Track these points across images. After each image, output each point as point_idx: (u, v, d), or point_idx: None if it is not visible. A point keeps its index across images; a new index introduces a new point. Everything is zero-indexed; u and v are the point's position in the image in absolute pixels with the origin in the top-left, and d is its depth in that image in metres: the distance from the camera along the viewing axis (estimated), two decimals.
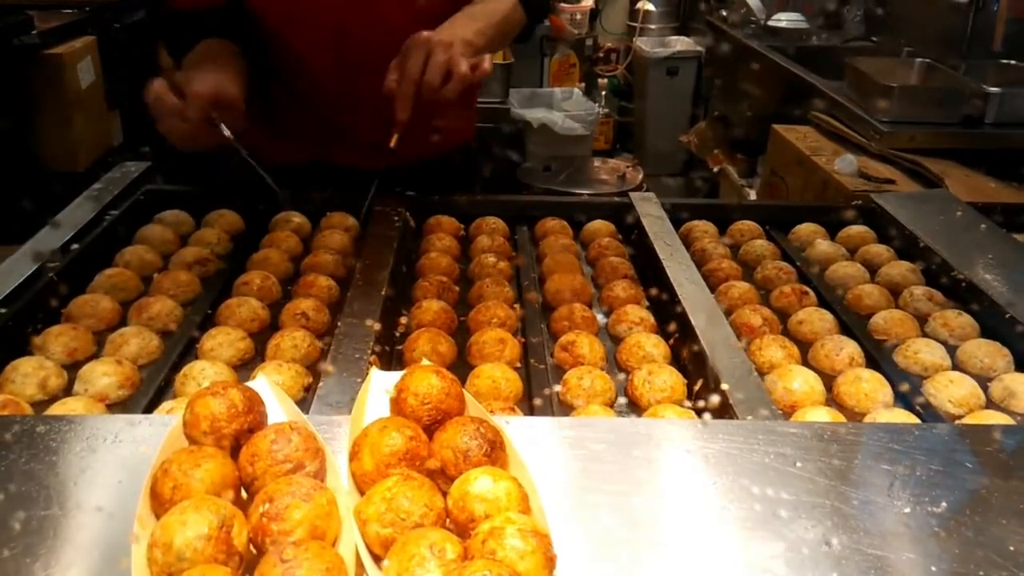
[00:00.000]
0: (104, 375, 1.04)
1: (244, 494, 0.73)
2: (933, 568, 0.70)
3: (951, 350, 1.18)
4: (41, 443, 0.81)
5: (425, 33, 1.36)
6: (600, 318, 1.28)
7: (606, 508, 0.75)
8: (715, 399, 1.01)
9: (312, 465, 0.73)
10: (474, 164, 1.94)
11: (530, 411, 1.04)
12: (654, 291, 1.32)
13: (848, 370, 1.11)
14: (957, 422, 1.04)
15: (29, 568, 0.68)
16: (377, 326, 1.09)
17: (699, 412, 1.03)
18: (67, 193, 1.49)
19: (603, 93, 4.64)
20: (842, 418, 1.01)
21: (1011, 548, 0.72)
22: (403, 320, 1.24)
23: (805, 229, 1.56)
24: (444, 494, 0.71)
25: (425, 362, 0.87)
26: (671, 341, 1.18)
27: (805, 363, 1.15)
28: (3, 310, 1.14)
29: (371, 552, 0.67)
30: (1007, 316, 1.20)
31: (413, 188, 1.59)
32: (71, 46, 2.96)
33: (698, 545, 0.73)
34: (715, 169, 3.77)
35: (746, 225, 1.56)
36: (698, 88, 4.92)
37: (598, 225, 1.56)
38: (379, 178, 1.58)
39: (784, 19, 3.81)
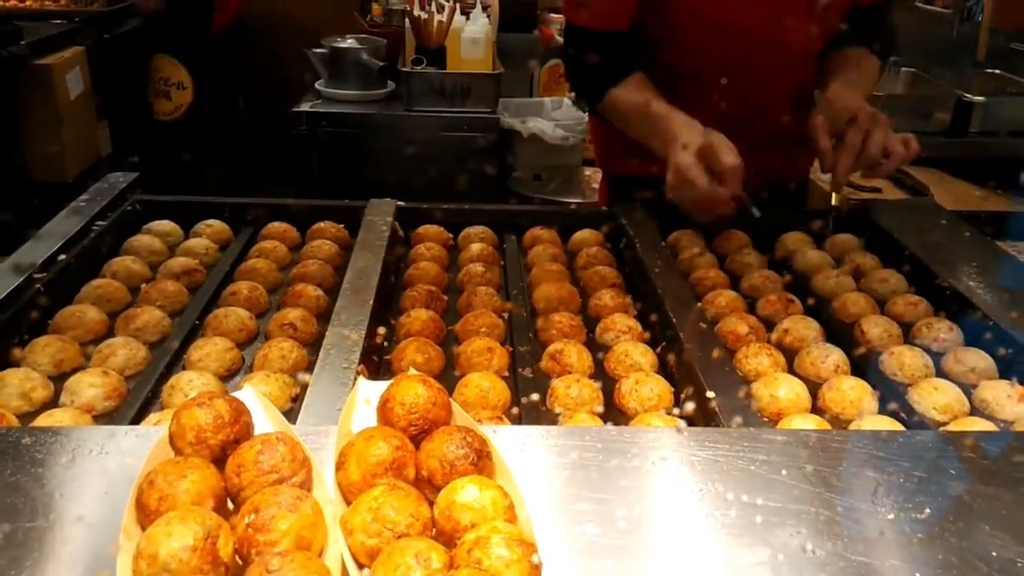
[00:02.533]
0: (91, 386, 1.04)
1: (231, 505, 0.73)
2: (917, 574, 0.71)
3: (935, 357, 1.19)
4: (27, 455, 0.81)
5: (865, 106, 1.45)
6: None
7: (592, 516, 0.76)
8: (701, 407, 1.02)
9: (298, 475, 0.73)
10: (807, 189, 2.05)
11: (519, 420, 1.05)
12: (641, 300, 1.33)
13: (833, 378, 1.12)
14: (941, 429, 1.04)
15: None
16: (365, 336, 1.09)
17: (686, 420, 1.04)
18: (54, 204, 1.48)
19: None
20: (827, 426, 1.02)
21: (993, 554, 0.73)
22: (391, 329, 1.24)
23: (792, 238, 1.57)
24: (431, 503, 0.72)
25: (412, 371, 0.87)
26: (658, 350, 1.19)
27: (791, 371, 1.16)
28: None
29: (357, 562, 0.67)
30: (991, 323, 1.21)
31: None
32: (60, 56, 2.95)
33: (683, 552, 0.73)
34: None
35: (733, 234, 1.57)
36: None
37: (586, 234, 1.56)
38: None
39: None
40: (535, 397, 1.08)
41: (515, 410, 1.06)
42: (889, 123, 1.46)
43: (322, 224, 1.56)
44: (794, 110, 1.67)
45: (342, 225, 1.56)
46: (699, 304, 1.27)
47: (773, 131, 1.59)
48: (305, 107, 3.17)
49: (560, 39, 3.98)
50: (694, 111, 1.44)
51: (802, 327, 1.24)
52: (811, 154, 1.86)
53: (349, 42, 3.31)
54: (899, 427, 1.02)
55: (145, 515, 0.69)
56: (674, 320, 1.17)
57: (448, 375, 1.14)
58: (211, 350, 1.13)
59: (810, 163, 1.89)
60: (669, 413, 1.05)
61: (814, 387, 1.11)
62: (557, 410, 1.06)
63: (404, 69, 3.16)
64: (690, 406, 1.05)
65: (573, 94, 3.62)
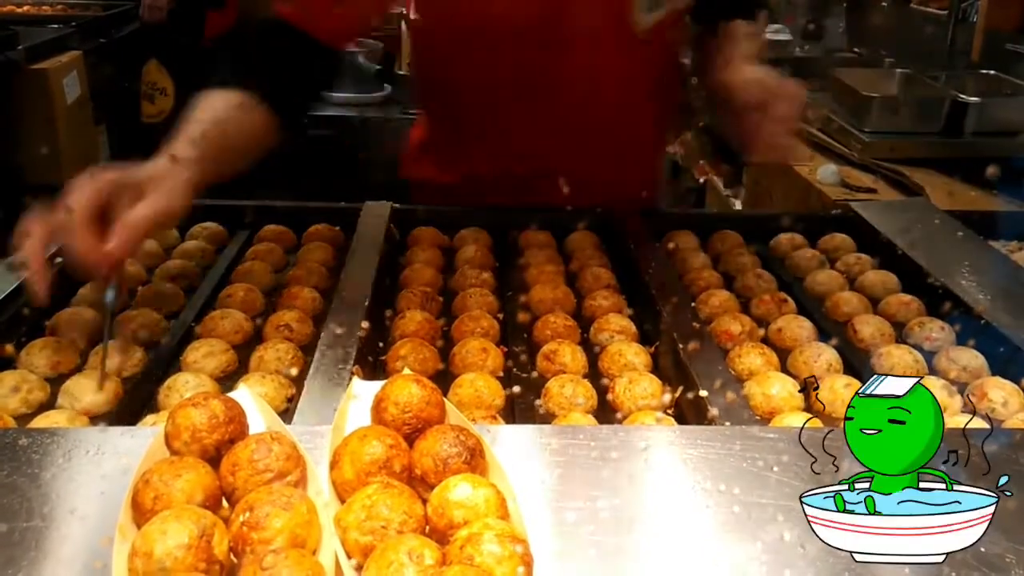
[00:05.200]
0: (87, 388, 1.04)
1: (225, 503, 0.74)
2: (906, 570, 0.71)
3: (928, 356, 1.20)
4: (23, 456, 0.81)
5: (792, 83, 1.36)
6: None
7: (585, 513, 0.76)
8: (694, 406, 1.02)
9: (293, 474, 0.74)
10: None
11: (512, 416, 1.05)
12: (635, 301, 1.34)
13: (826, 376, 1.12)
14: None
15: None
16: (360, 336, 1.10)
17: (679, 419, 1.04)
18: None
19: None
20: (820, 424, 1.02)
21: (982, 550, 0.73)
22: (386, 331, 1.25)
23: (786, 238, 1.58)
24: (424, 501, 0.72)
25: (407, 371, 0.87)
26: (652, 349, 1.19)
27: (784, 370, 1.16)
28: None
29: (351, 559, 0.68)
30: (983, 322, 1.21)
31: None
32: (57, 61, 2.96)
33: (676, 548, 0.74)
34: (701, 180, 3.79)
35: (727, 234, 1.58)
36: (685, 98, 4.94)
37: (581, 235, 1.57)
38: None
39: (767, 31, 3.85)
40: (517, 389, 1.09)
41: (497, 401, 1.06)
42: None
43: (318, 226, 1.56)
44: (629, 110, 1.56)
45: (338, 227, 1.56)
46: (693, 304, 1.28)
47: (607, 139, 1.48)
48: None
49: None
50: (486, 141, 1.35)
51: (795, 326, 1.25)
52: (660, 158, 1.76)
53: None
54: None
55: (141, 514, 0.69)
56: (668, 320, 1.18)
57: (443, 375, 1.15)
58: (207, 352, 1.13)
59: (660, 169, 1.78)
60: (663, 412, 1.06)
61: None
62: (551, 409, 1.06)
63: (401, 72, 3.17)
64: (683, 405, 1.06)
65: None
